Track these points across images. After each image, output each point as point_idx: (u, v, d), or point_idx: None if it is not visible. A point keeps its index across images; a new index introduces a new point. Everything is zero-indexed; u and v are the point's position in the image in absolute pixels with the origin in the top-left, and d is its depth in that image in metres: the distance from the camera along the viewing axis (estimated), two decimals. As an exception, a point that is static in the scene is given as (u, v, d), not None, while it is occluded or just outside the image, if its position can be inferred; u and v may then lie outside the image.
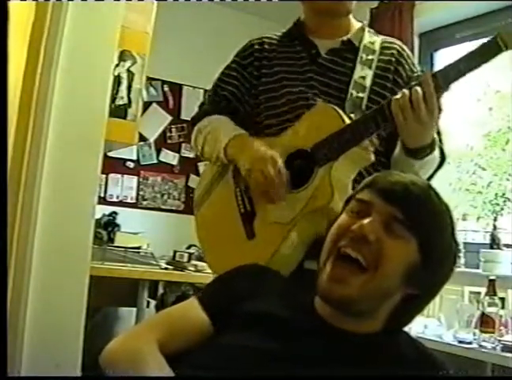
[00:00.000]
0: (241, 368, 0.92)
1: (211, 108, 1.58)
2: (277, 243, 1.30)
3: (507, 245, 2.93)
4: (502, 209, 3.31)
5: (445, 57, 3.48)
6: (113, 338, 1.02)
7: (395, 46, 1.53)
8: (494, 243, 2.92)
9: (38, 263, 2.02)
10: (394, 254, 0.95)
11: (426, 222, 0.97)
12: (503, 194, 3.32)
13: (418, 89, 1.23)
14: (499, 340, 2.49)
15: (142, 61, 2.57)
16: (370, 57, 1.47)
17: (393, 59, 1.49)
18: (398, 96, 1.25)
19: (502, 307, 2.64)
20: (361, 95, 1.42)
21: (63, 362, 2.00)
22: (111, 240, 2.99)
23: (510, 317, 2.65)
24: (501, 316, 2.59)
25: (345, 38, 1.50)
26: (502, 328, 2.57)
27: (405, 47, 1.55)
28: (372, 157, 1.34)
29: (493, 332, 2.52)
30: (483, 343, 2.52)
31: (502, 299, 2.67)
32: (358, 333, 0.97)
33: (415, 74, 1.50)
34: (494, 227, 3.00)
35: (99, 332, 3.13)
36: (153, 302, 3.08)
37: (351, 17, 1.54)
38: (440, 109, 1.25)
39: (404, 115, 1.23)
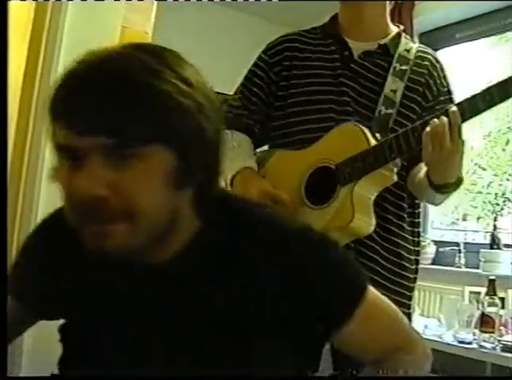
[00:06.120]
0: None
1: (235, 122, 1.55)
2: None
3: (507, 245, 2.93)
4: (502, 209, 3.31)
5: (444, 57, 3.47)
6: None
7: (429, 57, 1.51)
8: (494, 243, 2.92)
9: (38, 263, 2.02)
10: (137, 181, 0.73)
11: (113, 118, 0.73)
12: (503, 194, 3.32)
13: (445, 119, 1.23)
14: (499, 340, 2.49)
15: (142, 61, 2.57)
16: (403, 67, 1.45)
17: (425, 72, 1.47)
18: (428, 128, 1.24)
19: (502, 307, 2.64)
20: (389, 111, 1.41)
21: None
22: (111, 240, 2.99)
23: (510, 317, 2.65)
24: (501, 316, 2.59)
25: (381, 42, 1.47)
26: (502, 328, 2.57)
27: (439, 59, 1.53)
28: (395, 178, 1.35)
29: (493, 332, 2.52)
30: (483, 343, 2.52)
31: (502, 299, 2.67)
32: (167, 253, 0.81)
33: (445, 89, 1.49)
34: (495, 227, 3.00)
35: (99, 332, 3.13)
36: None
37: (388, 20, 1.51)
38: (462, 141, 1.27)
39: (433, 146, 1.24)
